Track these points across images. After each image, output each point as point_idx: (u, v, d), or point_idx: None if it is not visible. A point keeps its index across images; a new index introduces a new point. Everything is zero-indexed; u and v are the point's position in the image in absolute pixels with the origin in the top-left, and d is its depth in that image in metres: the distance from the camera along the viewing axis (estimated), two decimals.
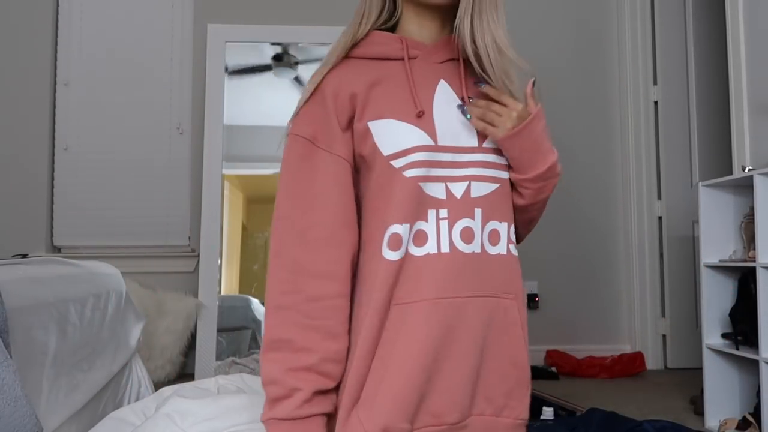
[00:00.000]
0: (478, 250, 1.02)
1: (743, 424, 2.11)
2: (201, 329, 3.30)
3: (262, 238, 3.69)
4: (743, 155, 2.49)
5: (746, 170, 2.25)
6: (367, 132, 1.01)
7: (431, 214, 1.00)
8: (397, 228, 0.98)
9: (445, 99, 1.05)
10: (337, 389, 1.00)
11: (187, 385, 1.62)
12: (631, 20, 3.72)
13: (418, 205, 0.99)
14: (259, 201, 3.73)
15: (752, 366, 2.31)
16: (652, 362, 3.52)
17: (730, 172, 2.54)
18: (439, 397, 0.98)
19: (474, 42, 1.01)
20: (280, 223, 1.01)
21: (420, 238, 1.00)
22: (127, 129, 3.55)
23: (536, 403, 2.41)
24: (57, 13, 3.57)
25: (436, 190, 1.01)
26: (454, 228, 1.00)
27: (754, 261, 2.12)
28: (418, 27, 1.10)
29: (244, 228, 3.67)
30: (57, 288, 1.62)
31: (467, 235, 1.01)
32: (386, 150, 1.00)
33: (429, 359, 0.97)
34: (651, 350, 3.54)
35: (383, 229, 0.99)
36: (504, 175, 1.07)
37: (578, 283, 3.69)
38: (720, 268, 2.41)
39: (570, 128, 3.76)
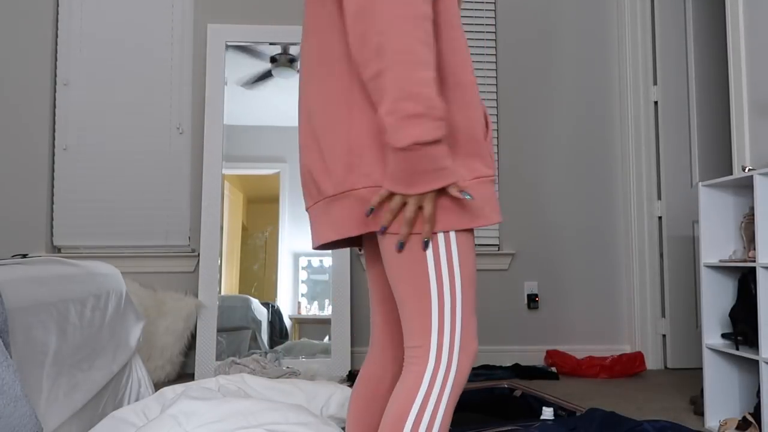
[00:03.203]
0: None
1: (743, 424, 2.11)
2: (201, 329, 3.31)
3: (262, 238, 3.68)
4: (743, 155, 2.49)
5: (746, 170, 2.25)
6: None
7: None
8: None
9: None
10: None
11: (193, 385, 1.62)
12: (631, 20, 3.72)
13: None
14: (259, 201, 3.73)
15: (752, 366, 2.32)
16: (652, 362, 3.52)
17: (730, 172, 2.54)
18: None
19: None
20: None
21: None
22: (127, 129, 3.55)
23: (536, 403, 2.42)
24: (57, 13, 3.57)
25: None
26: None
27: (754, 261, 2.12)
28: None
29: (244, 228, 3.67)
30: (57, 288, 1.62)
31: None
32: None
33: None
34: (651, 350, 3.54)
35: None
36: None
37: (578, 283, 3.69)
38: (720, 268, 2.41)
39: (570, 128, 3.76)
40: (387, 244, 0.99)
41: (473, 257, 1.01)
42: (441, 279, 0.97)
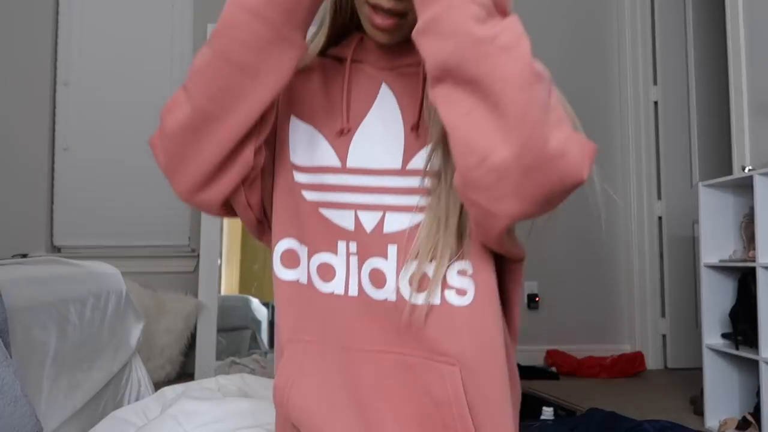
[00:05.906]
0: (393, 298, 0.79)
1: (743, 424, 2.11)
2: (201, 329, 3.30)
3: None
4: (743, 155, 2.49)
5: (746, 170, 2.25)
6: (288, 122, 0.87)
7: (341, 246, 0.82)
8: (290, 242, 0.85)
9: (381, 114, 0.83)
10: None
11: (193, 385, 1.62)
12: (631, 20, 3.72)
13: (323, 233, 0.83)
14: None
15: (752, 366, 2.31)
16: (652, 362, 3.51)
17: (730, 172, 2.54)
18: None
19: None
20: None
21: (326, 272, 0.82)
22: (127, 129, 3.54)
23: (536, 403, 2.42)
24: (57, 13, 3.57)
25: (343, 219, 0.82)
26: (363, 268, 0.81)
27: (754, 261, 2.12)
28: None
29: (244, 228, 3.68)
30: (57, 288, 1.62)
31: (378, 279, 0.80)
32: (295, 158, 0.86)
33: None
34: (651, 350, 3.54)
35: (276, 240, 0.87)
36: None
37: (578, 283, 3.69)
38: (720, 268, 2.40)
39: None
40: None
41: None
42: None
